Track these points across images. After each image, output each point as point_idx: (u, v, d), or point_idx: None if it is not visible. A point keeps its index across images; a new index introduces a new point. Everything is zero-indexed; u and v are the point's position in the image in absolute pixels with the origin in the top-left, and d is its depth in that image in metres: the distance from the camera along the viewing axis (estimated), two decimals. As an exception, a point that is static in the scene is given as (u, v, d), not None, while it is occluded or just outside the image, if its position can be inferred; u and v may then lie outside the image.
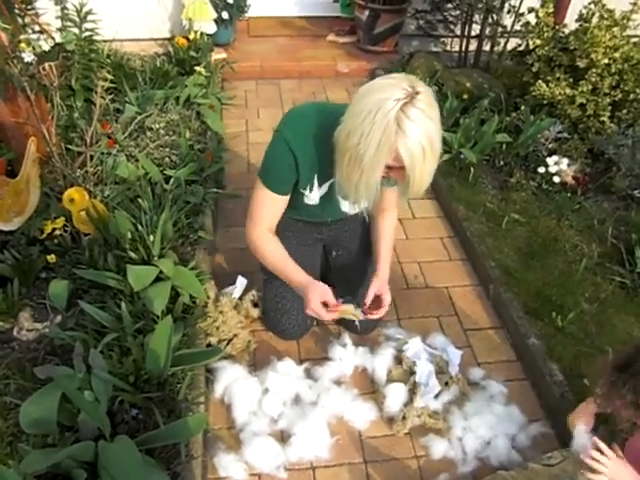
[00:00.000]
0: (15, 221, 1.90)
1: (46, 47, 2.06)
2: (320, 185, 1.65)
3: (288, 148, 1.53)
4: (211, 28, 3.62)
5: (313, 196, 1.68)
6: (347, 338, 1.93)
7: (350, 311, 1.70)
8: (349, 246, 1.99)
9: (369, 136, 1.31)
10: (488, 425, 1.67)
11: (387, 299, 1.75)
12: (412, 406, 1.70)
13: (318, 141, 1.53)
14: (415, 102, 1.28)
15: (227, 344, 1.87)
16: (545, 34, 2.91)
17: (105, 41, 3.20)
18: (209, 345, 1.83)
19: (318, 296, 1.63)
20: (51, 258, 1.85)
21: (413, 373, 1.80)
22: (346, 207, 1.76)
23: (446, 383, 1.81)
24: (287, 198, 1.67)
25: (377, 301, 1.75)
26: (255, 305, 2.01)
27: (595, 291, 2.13)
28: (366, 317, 1.74)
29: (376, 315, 1.75)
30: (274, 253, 1.72)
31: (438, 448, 1.64)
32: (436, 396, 1.75)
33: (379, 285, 1.75)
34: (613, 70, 2.71)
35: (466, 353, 1.94)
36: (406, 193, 1.45)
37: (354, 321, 1.89)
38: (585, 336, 1.94)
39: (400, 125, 1.28)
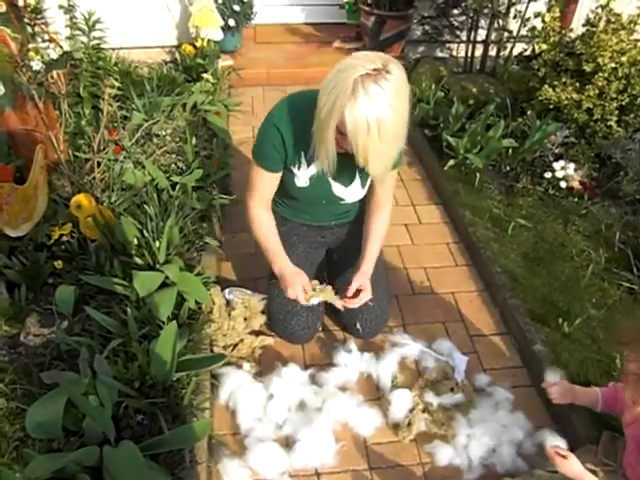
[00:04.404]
0: (23, 227, 1.92)
1: (54, 55, 2.08)
2: (309, 163, 1.68)
3: (275, 127, 1.60)
4: (218, 35, 3.65)
5: (302, 175, 1.71)
6: (352, 344, 1.92)
7: (330, 294, 1.82)
8: (351, 250, 1.99)
9: (330, 94, 1.37)
10: (494, 432, 1.66)
11: (367, 295, 1.81)
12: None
13: (305, 119, 1.56)
14: (378, 79, 1.32)
15: (232, 349, 1.88)
16: (551, 39, 2.91)
17: (113, 49, 3.24)
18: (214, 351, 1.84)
19: (300, 284, 1.77)
20: (58, 264, 1.87)
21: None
22: (339, 191, 1.77)
23: (452, 389, 1.80)
24: (278, 175, 1.73)
25: (357, 294, 1.81)
26: (262, 312, 2.01)
27: (602, 297, 2.11)
28: (344, 304, 1.83)
29: (353, 305, 1.81)
30: (263, 226, 1.81)
31: (443, 455, 1.63)
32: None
33: (361, 281, 1.81)
34: (620, 74, 2.70)
35: (472, 359, 1.93)
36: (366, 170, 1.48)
37: (355, 324, 1.93)
38: (592, 342, 1.92)
39: (354, 92, 1.32)
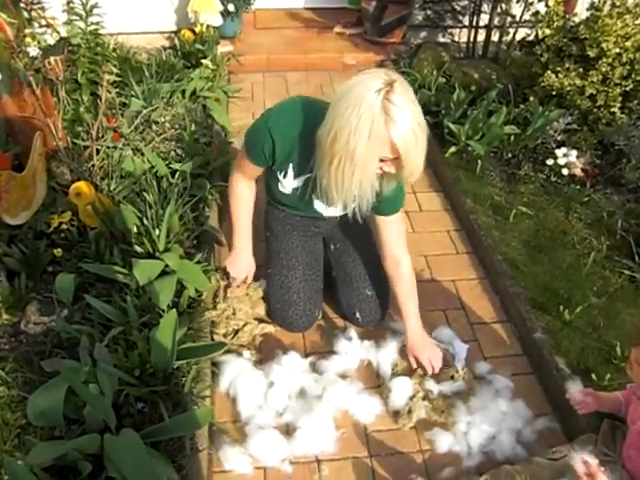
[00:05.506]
0: (22, 215, 1.91)
1: (51, 41, 2.06)
2: (295, 176, 1.67)
3: (268, 132, 1.58)
4: (217, 20, 3.60)
5: (287, 184, 1.71)
6: (353, 332, 1.92)
7: None
8: (347, 239, 1.98)
9: (357, 131, 1.32)
10: (493, 419, 1.66)
11: (424, 357, 1.75)
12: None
13: (300, 134, 1.56)
14: (395, 88, 1.31)
15: (232, 337, 1.88)
16: (555, 23, 2.87)
17: (111, 34, 3.20)
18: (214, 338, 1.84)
19: (244, 274, 1.97)
20: (58, 252, 1.86)
21: None
22: (320, 207, 1.78)
23: (452, 377, 1.80)
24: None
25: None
26: (262, 298, 2.01)
27: (603, 284, 2.11)
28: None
29: (436, 369, 1.77)
30: (239, 200, 1.88)
31: (443, 442, 1.64)
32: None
33: (422, 353, 1.76)
34: (624, 59, 2.66)
35: (472, 347, 1.93)
36: (401, 181, 1.48)
37: (354, 313, 1.94)
38: (593, 330, 1.92)
39: (388, 113, 1.30)
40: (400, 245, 1.78)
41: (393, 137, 1.32)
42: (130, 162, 2.25)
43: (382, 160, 1.39)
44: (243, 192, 1.86)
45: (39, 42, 1.97)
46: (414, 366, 1.78)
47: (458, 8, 3.66)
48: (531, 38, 3.20)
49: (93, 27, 2.94)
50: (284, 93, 3.50)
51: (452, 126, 2.76)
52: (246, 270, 1.98)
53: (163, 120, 2.59)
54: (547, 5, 2.93)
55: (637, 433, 1.33)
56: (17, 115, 2.00)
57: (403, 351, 1.89)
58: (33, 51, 1.89)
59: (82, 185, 1.92)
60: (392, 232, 1.76)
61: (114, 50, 3.12)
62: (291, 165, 1.65)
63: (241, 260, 1.97)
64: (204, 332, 1.79)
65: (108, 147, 2.28)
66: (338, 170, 1.40)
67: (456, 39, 3.88)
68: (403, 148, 1.33)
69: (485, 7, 3.47)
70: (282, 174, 1.69)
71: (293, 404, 1.71)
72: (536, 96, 2.88)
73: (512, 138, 2.75)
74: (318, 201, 1.74)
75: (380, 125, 1.30)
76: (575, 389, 1.58)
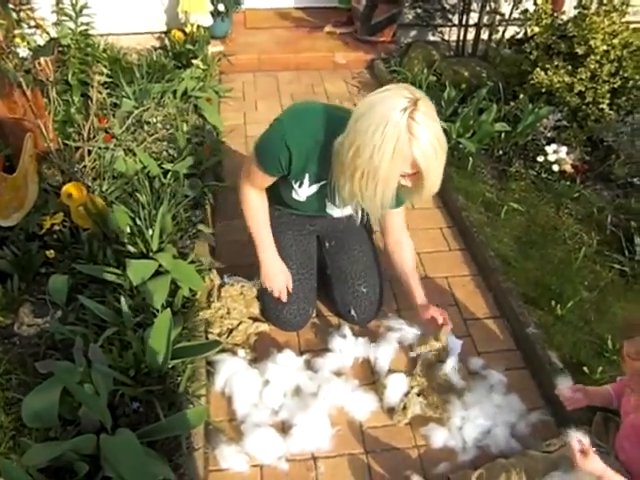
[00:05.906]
0: (14, 217, 1.90)
1: (41, 42, 2.05)
2: (310, 184, 1.67)
3: (285, 144, 1.55)
4: (207, 20, 3.60)
5: (302, 192, 1.70)
6: (347, 329, 1.92)
7: (434, 344, 1.81)
8: (342, 237, 1.99)
9: (382, 148, 1.33)
10: (488, 414, 1.67)
11: (434, 313, 1.79)
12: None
13: (316, 144, 1.55)
14: (419, 106, 1.32)
15: (227, 336, 1.88)
16: (544, 21, 2.89)
17: (101, 35, 3.19)
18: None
19: (283, 282, 1.87)
20: (50, 253, 1.86)
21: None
22: (332, 210, 1.78)
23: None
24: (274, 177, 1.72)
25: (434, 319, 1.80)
26: (257, 297, 2.01)
27: (594, 279, 2.13)
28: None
29: (448, 325, 1.79)
30: (253, 209, 1.81)
31: (438, 437, 1.65)
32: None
33: (429, 313, 1.79)
34: (612, 57, 2.69)
35: (466, 343, 1.93)
36: (420, 196, 1.48)
37: (349, 310, 1.95)
38: (584, 324, 1.94)
39: (412, 132, 1.31)
40: (402, 228, 1.86)
41: (415, 154, 1.34)
42: (122, 163, 2.25)
43: (401, 175, 1.41)
44: (256, 202, 1.80)
45: (29, 43, 1.96)
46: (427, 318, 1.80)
47: (448, 7, 3.68)
48: (520, 36, 3.22)
49: (83, 28, 2.93)
50: (275, 93, 3.51)
51: (443, 124, 2.76)
52: (284, 279, 1.87)
53: (155, 120, 2.59)
54: (535, 3, 2.96)
55: (630, 425, 1.35)
56: (7, 116, 2.00)
57: (397, 348, 1.89)
58: (23, 52, 1.89)
59: (71, 187, 1.91)
60: (394, 220, 1.83)
61: (104, 51, 3.11)
62: (307, 175, 1.64)
63: (275, 270, 1.87)
64: (199, 331, 1.79)
65: (100, 148, 2.28)
66: (362, 182, 1.42)
67: (446, 38, 3.89)
68: (424, 164, 1.36)
69: (474, 6, 3.49)
70: (297, 183, 1.68)
71: (288, 402, 1.71)
72: (526, 93, 2.90)
73: (503, 135, 2.77)
74: (330, 204, 1.75)
75: (404, 143, 1.32)
76: (564, 385, 1.58)
